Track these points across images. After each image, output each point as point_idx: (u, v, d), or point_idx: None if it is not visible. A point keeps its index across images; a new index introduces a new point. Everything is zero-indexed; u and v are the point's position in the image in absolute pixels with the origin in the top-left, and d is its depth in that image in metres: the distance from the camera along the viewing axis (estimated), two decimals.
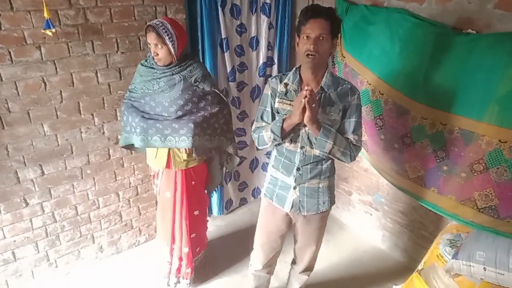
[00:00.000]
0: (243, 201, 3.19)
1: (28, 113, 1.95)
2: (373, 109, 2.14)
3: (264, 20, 2.65)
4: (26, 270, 2.24)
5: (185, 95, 1.81)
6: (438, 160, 1.89)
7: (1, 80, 1.82)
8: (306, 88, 1.38)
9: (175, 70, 1.80)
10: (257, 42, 2.70)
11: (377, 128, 2.15)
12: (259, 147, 1.69)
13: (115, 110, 2.23)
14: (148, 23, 1.73)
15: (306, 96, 1.37)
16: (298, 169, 1.61)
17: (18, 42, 1.80)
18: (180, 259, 2.20)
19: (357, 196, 2.82)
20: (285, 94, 1.58)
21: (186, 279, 2.27)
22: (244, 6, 2.52)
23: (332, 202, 1.72)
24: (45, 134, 2.03)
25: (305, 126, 1.53)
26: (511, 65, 1.55)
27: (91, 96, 2.11)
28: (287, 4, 2.68)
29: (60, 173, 2.16)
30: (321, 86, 1.52)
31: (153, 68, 1.83)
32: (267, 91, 1.63)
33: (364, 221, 2.82)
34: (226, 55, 2.54)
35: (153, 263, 2.53)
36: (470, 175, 1.76)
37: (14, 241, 2.13)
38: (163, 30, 1.70)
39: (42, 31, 1.74)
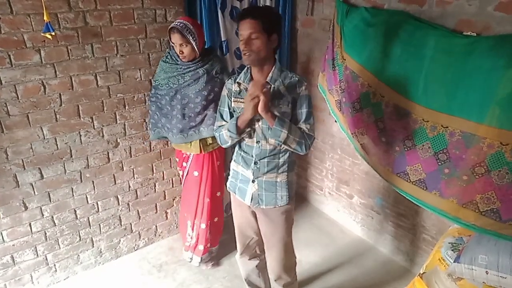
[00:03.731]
0: None
1: (28, 116, 1.95)
2: (373, 111, 2.13)
3: None
4: (25, 275, 2.22)
5: (208, 86, 2.03)
6: (439, 163, 1.88)
7: (1, 83, 1.82)
8: (254, 82, 1.53)
9: (199, 65, 2.01)
10: None
11: (378, 131, 2.14)
12: (222, 145, 1.77)
13: (115, 113, 2.22)
14: (171, 25, 1.90)
15: (264, 88, 1.48)
16: (255, 162, 1.68)
17: (18, 45, 1.81)
18: (197, 235, 2.38)
19: (358, 199, 2.81)
20: (239, 93, 1.68)
21: (198, 256, 2.44)
22: None
23: (290, 197, 1.74)
24: (44, 138, 2.03)
25: (258, 120, 1.61)
26: (511, 67, 1.54)
27: (90, 99, 2.11)
28: (287, 6, 2.68)
29: (59, 176, 2.15)
30: (267, 81, 1.59)
31: (177, 63, 2.03)
32: (224, 92, 1.75)
33: (366, 224, 2.80)
34: (226, 57, 2.54)
35: (153, 267, 2.52)
36: (472, 178, 1.75)
37: (13, 245, 2.12)
38: (187, 31, 1.89)
39: (42, 34, 1.74)
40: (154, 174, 2.53)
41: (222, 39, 2.47)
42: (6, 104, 1.87)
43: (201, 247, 2.40)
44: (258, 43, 1.51)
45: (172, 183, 2.64)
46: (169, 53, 2.07)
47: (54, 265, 2.32)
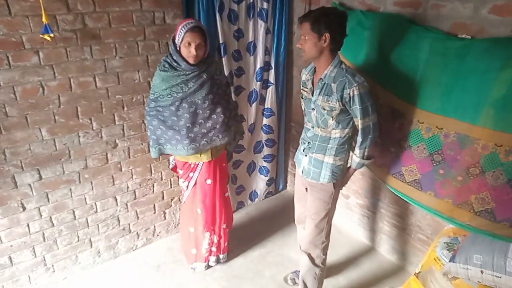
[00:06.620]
0: (240, 205, 3.19)
1: (26, 117, 1.95)
2: None
3: (261, 26, 2.66)
4: (22, 275, 2.22)
5: (213, 89, 2.01)
6: (434, 164, 1.90)
7: None
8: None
9: (203, 68, 1.95)
10: (255, 47, 2.72)
11: None
12: None
13: (113, 114, 2.23)
14: (193, 24, 1.81)
15: None
16: (308, 142, 1.92)
17: (16, 46, 1.81)
18: (220, 236, 2.43)
19: (355, 199, 2.83)
20: (305, 82, 1.89)
21: (225, 253, 2.54)
22: (242, 12, 2.54)
23: (333, 178, 1.90)
24: (42, 139, 2.03)
25: (313, 110, 1.81)
26: (505, 69, 1.56)
27: (89, 100, 2.12)
28: (284, 9, 2.70)
29: (58, 177, 2.15)
30: (320, 78, 1.76)
31: (177, 70, 1.90)
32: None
33: (362, 224, 2.82)
34: (224, 60, 2.55)
35: (151, 267, 2.52)
36: (467, 178, 1.77)
37: (11, 246, 2.12)
38: (206, 31, 1.90)
39: (40, 36, 1.74)
40: (152, 175, 2.54)
41: (220, 42, 2.49)
42: (5, 105, 1.87)
43: (226, 244, 2.50)
44: (308, 44, 1.67)
45: (171, 184, 2.65)
46: (165, 61, 1.92)
47: (52, 265, 2.32)
